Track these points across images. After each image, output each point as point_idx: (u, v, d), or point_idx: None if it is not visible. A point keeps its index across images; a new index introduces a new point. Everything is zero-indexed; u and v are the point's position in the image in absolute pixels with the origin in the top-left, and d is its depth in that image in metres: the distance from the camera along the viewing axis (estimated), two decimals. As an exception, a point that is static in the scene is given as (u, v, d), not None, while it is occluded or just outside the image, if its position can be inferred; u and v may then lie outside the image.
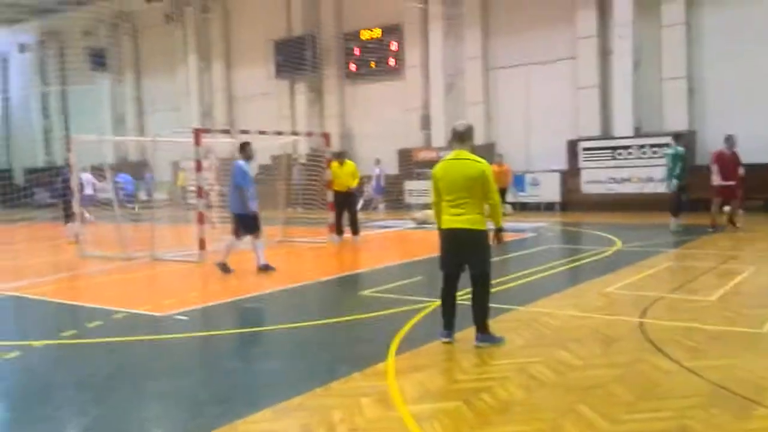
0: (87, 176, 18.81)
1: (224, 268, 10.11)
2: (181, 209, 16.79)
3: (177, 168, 24.89)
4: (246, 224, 10.14)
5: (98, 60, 31.45)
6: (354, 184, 14.29)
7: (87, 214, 19.38)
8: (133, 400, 4.81)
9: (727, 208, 13.78)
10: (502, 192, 17.21)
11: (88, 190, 18.21)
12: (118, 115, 33.45)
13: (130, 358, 5.94)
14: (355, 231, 14.07)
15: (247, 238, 10.35)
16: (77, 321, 7.28)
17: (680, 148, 13.70)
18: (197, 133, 12.11)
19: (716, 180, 13.58)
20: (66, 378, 5.38)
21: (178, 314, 7.43)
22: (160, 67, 31.19)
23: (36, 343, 6.37)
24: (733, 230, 13.48)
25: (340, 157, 14.62)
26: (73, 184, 13.43)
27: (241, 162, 10.13)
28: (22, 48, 36.22)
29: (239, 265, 10.46)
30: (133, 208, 20.32)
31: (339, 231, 14.14)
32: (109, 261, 11.90)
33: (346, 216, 14.10)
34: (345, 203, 14.06)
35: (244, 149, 10.30)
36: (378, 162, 23.19)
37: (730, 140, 13.71)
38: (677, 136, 14.44)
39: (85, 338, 6.58)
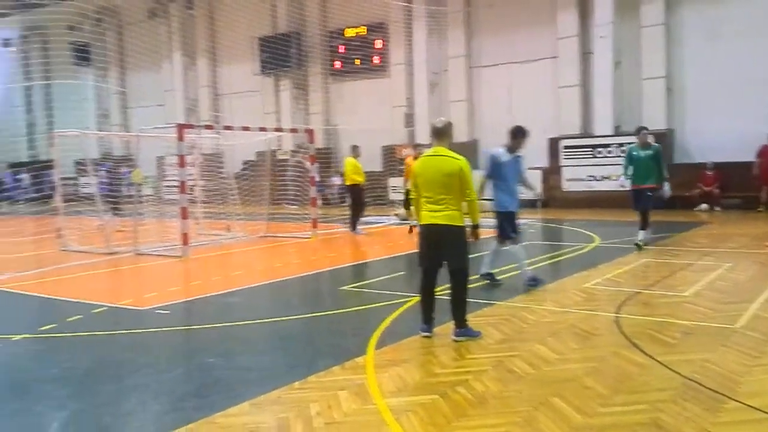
0: None
1: (490, 278, 8.31)
2: (164, 204, 16.74)
3: (161, 164, 24.79)
4: (507, 223, 8.13)
5: (82, 55, 31.12)
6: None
7: None
8: (112, 394, 4.81)
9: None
10: None
11: None
12: (103, 110, 33.22)
13: (110, 351, 5.94)
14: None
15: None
16: (57, 315, 7.26)
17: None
18: (180, 129, 12.08)
19: None
20: (45, 372, 5.37)
21: (160, 308, 7.44)
22: (144, 62, 30.96)
23: (15, 337, 6.35)
24: None
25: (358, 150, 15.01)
26: (56, 179, 13.37)
27: (497, 149, 8.15)
28: (5, 42, 35.74)
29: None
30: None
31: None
32: (91, 255, 11.85)
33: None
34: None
35: (514, 137, 8.13)
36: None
37: None
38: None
39: (65, 332, 6.56)
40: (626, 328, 6.10)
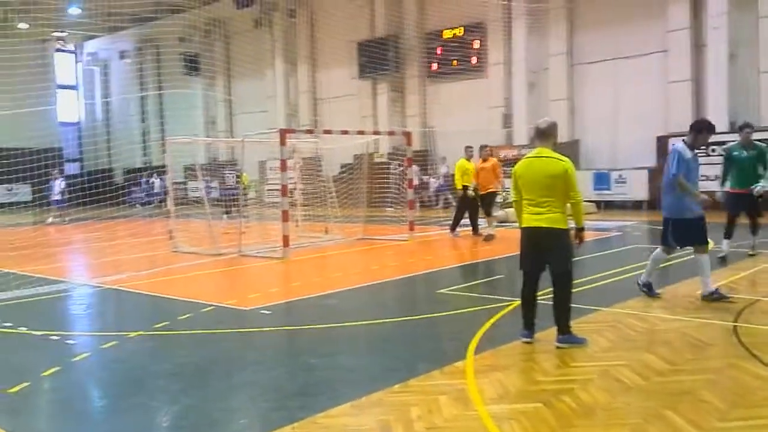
0: (57, 182, 21.27)
1: (718, 296, 7.17)
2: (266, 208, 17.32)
3: (263, 168, 25.66)
4: (683, 232, 7.30)
5: (192, 65, 32.81)
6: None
7: (50, 219, 21.61)
8: (222, 390, 5.00)
9: None
10: (491, 198, 14.04)
11: (56, 196, 21.10)
12: (210, 117, 34.86)
13: (219, 349, 6.18)
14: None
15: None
16: (169, 313, 7.63)
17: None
18: (282, 134, 12.44)
19: None
20: (158, 368, 5.65)
21: (263, 308, 7.67)
22: (249, 70, 32.23)
23: (131, 334, 6.73)
24: None
25: (471, 151, 14.89)
26: (168, 184, 14.13)
27: (680, 145, 7.39)
28: (122, 55, 38.30)
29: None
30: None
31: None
32: (199, 256, 12.41)
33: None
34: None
35: (697, 132, 7.36)
36: (443, 160, 23.33)
37: None
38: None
39: (176, 330, 6.90)
40: (745, 338, 5.71)
